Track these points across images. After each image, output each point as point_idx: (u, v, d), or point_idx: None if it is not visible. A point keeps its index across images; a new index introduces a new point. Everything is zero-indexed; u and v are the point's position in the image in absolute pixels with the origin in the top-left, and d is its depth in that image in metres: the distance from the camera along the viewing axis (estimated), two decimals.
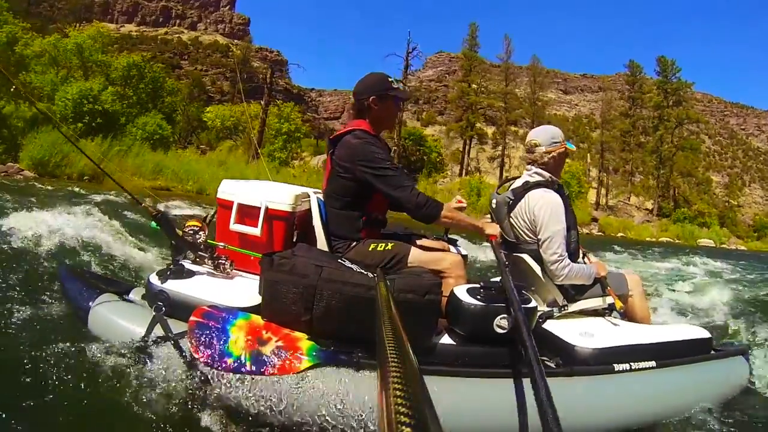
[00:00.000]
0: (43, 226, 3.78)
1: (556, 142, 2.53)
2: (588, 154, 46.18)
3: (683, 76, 42.21)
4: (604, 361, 2.11)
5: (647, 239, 28.45)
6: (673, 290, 5.65)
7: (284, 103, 32.06)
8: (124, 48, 57.50)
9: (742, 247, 34.38)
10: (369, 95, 2.30)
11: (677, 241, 29.55)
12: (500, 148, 45.92)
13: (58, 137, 15.34)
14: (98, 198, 8.09)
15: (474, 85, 42.98)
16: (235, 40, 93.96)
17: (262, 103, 28.94)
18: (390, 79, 2.36)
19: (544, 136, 2.55)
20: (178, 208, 8.94)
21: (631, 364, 2.13)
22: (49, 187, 11.43)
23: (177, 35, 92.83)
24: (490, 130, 55.37)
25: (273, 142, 28.33)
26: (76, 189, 11.17)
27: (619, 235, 28.81)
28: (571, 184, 33.06)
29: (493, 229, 2.35)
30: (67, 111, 20.49)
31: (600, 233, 28.81)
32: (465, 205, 2.50)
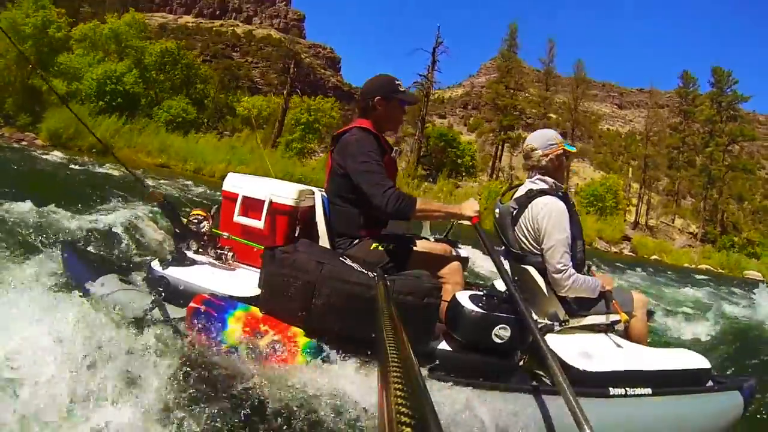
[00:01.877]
0: (45, 201, 3.95)
1: (552, 144, 2.51)
2: (630, 169, 42.71)
3: (743, 92, 38.65)
4: (599, 383, 2.09)
5: (685, 265, 26.18)
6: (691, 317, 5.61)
7: (310, 97, 32.73)
8: (179, 38, 59.05)
9: None
10: (375, 95, 2.36)
11: (720, 270, 27.12)
12: None
13: (68, 112, 16.35)
14: (101, 172, 8.79)
15: (511, 88, 41.15)
16: (288, 35, 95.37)
17: (284, 93, 29.96)
18: (397, 82, 2.42)
19: (540, 139, 2.54)
20: (163, 183, 9.69)
21: (627, 389, 2.11)
22: (58, 157, 12.50)
23: (232, 28, 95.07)
24: (526, 136, 53.07)
25: (292, 132, 29.24)
26: (83, 159, 12.36)
27: (653, 258, 26.83)
28: (606, 197, 30.53)
29: (471, 208, 2.29)
30: (91, 90, 22.81)
31: (631, 254, 26.97)
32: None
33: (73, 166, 11.17)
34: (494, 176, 38.96)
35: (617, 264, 14.87)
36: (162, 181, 9.73)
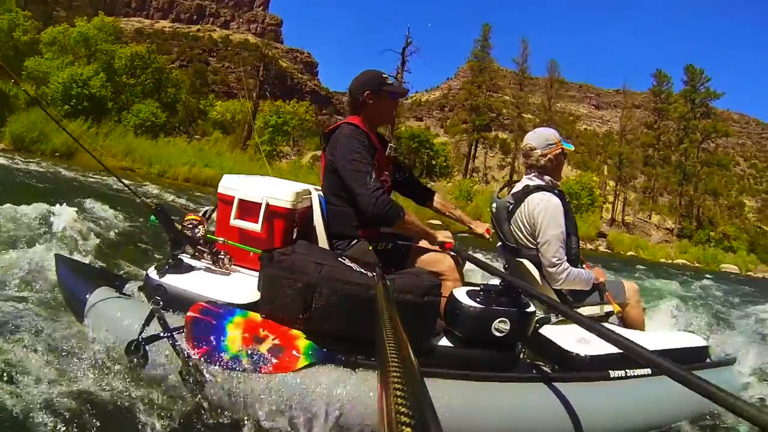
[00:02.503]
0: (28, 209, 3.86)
1: (551, 144, 2.57)
2: (605, 167, 42.78)
3: (716, 89, 39.11)
4: (599, 367, 2.14)
5: (662, 260, 26.42)
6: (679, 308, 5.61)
7: (286, 101, 33.21)
8: (156, 42, 58.16)
9: None
10: (363, 90, 2.37)
11: (697, 264, 27.32)
12: (511, 155, 43.21)
13: (38, 117, 17.53)
14: (69, 175, 8.83)
15: (484, 88, 41.46)
16: (263, 39, 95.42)
17: (254, 96, 30.87)
18: (385, 76, 2.43)
19: (539, 139, 2.59)
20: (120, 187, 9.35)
21: (627, 371, 2.16)
22: (19, 163, 12.21)
23: (209, 33, 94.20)
24: (503, 136, 53.08)
25: (261, 134, 29.21)
26: (47, 164, 12.33)
27: (629, 254, 26.99)
28: (581, 195, 30.41)
29: (444, 236, 2.35)
30: (57, 93, 22.61)
31: (607, 250, 27.14)
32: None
33: (37, 169, 11.08)
34: (468, 176, 38.72)
35: (594, 260, 14.54)
36: (120, 185, 9.42)
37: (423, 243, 2.46)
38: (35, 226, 3.69)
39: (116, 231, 4.27)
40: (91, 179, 8.69)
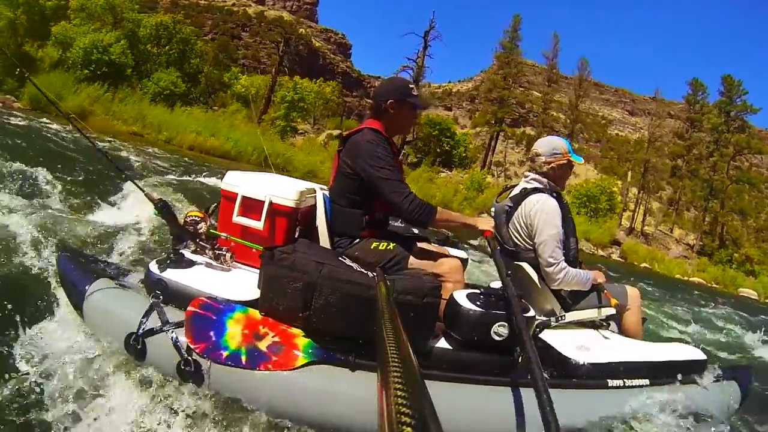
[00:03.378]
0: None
1: (557, 154, 2.59)
2: (629, 173, 41.23)
3: (755, 104, 37.25)
4: (598, 375, 2.16)
5: (677, 276, 25.36)
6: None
7: (310, 78, 33.75)
8: (190, 15, 58.30)
9: None
10: (388, 98, 2.38)
11: (714, 285, 26.11)
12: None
13: (57, 79, 18.72)
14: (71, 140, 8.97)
15: (509, 80, 40.09)
16: (294, 16, 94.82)
17: (273, 71, 31.07)
18: (411, 86, 2.44)
19: (546, 146, 2.62)
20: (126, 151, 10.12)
21: (625, 380, 2.18)
22: (31, 120, 12.53)
23: (243, 8, 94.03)
24: (530, 133, 51.70)
25: (277, 110, 29.90)
26: (59, 126, 11.99)
27: (643, 265, 26.03)
28: (600, 199, 29.30)
29: (487, 224, 2.38)
30: (77, 58, 23.12)
31: (620, 259, 26.39)
32: None
33: (45, 132, 11.11)
34: (488, 168, 37.88)
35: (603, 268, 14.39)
36: (127, 149, 10.26)
37: (424, 244, 2.51)
38: (35, 220, 3.63)
39: (117, 221, 4.26)
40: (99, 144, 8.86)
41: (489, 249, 2.32)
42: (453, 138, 35.08)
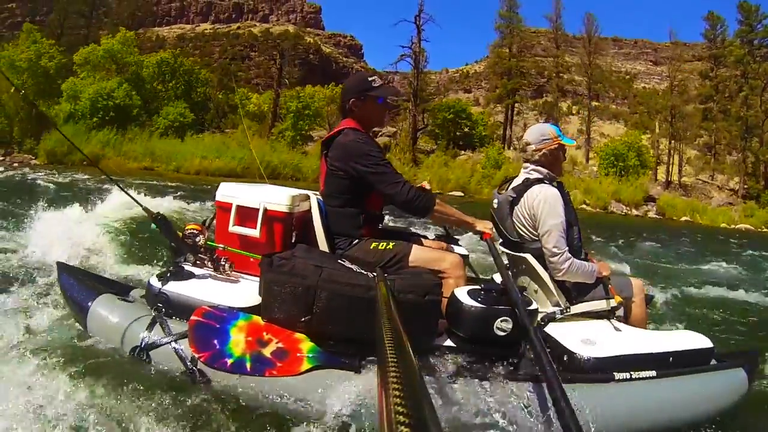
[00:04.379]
0: (42, 224, 4.01)
1: (546, 139, 2.61)
2: (656, 124, 39.16)
3: None
4: (604, 369, 2.13)
5: (722, 225, 23.89)
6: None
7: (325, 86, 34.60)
8: (198, 46, 59.66)
9: None
10: (349, 97, 2.39)
11: (764, 229, 24.46)
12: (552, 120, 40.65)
13: (68, 131, 20.46)
14: (94, 186, 9.66)
15: (513, 50, 38.85)
16: (307, 28, 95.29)
17: (274, 86, 31.45)
18: (371, 79, 2.43)
19: (534, 134, 2.64)
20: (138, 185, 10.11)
21: (632, 373, 2.14)
22: (46, 173, 13.97)
23: (248, 29, 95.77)
24: (540, 102, 50.04)
25: (284, 121, 30.12)
26: (78, 176, 13.32)
27: (684, 219, 24.68)
28: (628, 156, 27.88)
29: (485, 225, 2.44)
30: (85, 109, 24.76)
31: (657, 216, 24.83)
32: (428, 187, 2.53)
33: (61, 180, 12.29)
34: (507, 145, 36.57)
35: (641, 229, 13.98)
36: (137, 183, 11.04)
37: (424, 242, 2.50)
38: (38, 233, 3.91)
39: (119, 238, 4.40)
40: (108, 185, 9.69)
41: (489, 250, 2.36)
42: (470, 119, 34.53)
